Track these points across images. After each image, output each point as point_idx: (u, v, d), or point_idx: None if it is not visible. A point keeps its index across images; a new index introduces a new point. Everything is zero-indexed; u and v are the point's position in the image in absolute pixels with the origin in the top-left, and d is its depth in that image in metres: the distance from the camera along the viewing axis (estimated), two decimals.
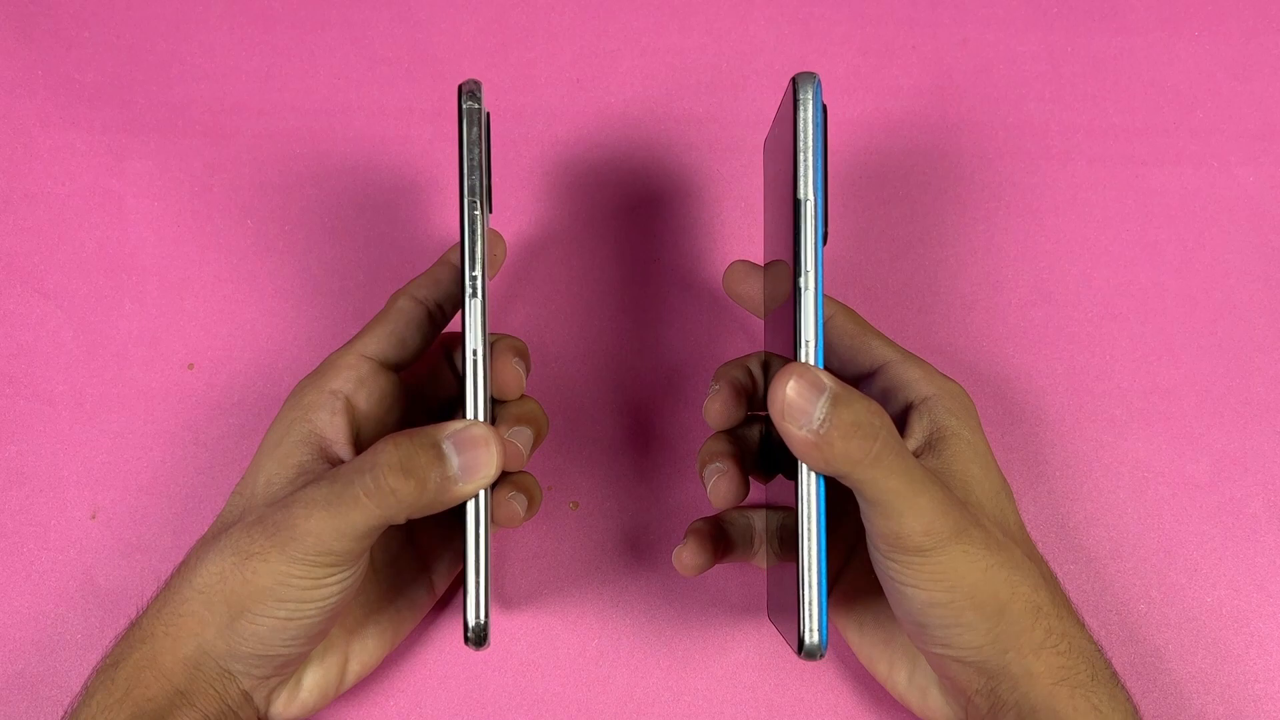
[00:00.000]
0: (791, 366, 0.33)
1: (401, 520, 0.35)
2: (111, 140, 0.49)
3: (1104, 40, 0.50)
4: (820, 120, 0.33)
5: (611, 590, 0.45)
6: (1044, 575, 0.37)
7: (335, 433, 0.38)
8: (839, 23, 0.51)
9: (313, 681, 0.40)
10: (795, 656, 0.44)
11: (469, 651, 0.44)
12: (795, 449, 0.33)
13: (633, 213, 0.49)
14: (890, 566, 0.35)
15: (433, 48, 0.50)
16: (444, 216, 0.48)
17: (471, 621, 0.35)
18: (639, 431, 0.46)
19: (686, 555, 0.39)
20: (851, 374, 0.40)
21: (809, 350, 0.33)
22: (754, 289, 0.41)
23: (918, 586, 0.34)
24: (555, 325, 0.47)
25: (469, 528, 0.36)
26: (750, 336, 0.47)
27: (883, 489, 0.33)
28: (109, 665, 0.37)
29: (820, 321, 0.34)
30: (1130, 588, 0.45)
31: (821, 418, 0.32)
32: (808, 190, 0.33)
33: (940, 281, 0.48)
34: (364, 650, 0.41)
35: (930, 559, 0.34)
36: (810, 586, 0.34)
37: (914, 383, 0.39)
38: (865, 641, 0.41)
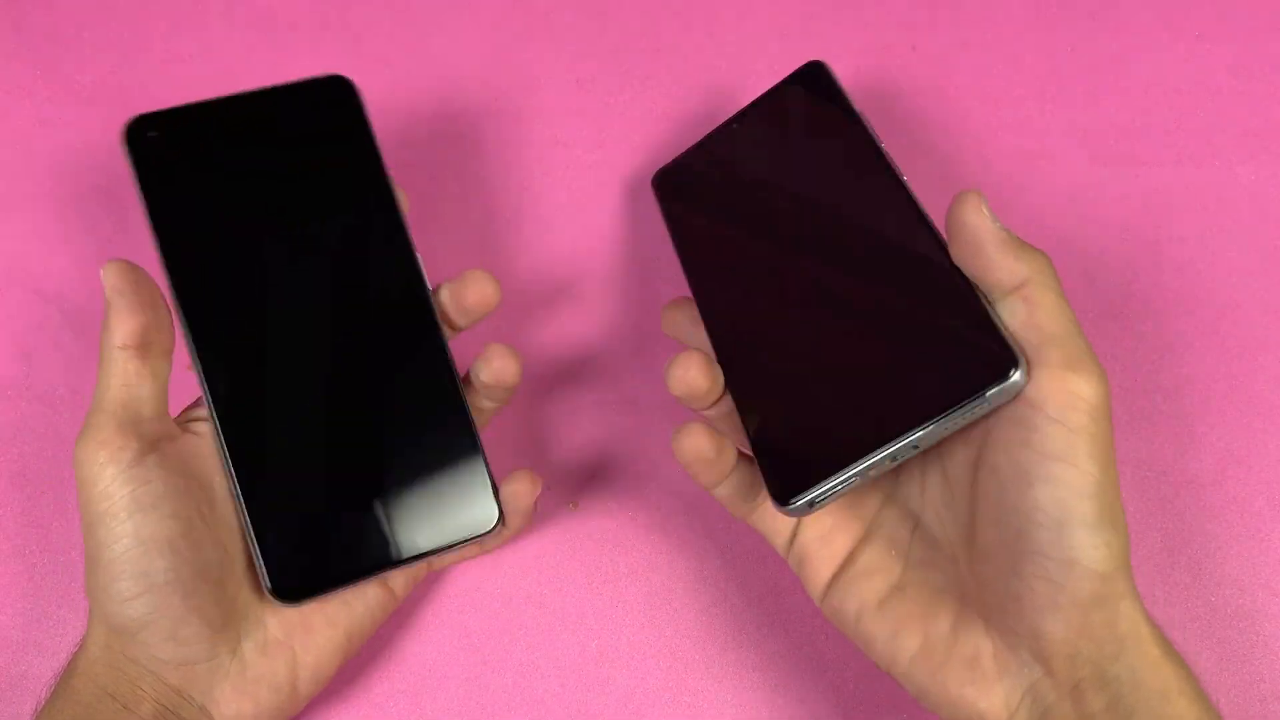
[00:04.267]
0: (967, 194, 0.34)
1: None
2: (112, 141, 0.49)
3: (1104, 40, 0.50)
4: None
5: (611, 591, 0.45)
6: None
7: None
8: (839, 23, 0.51)
9: (257, 674, 0.38)
10: (796, 659, 0.44)
11: (469, 652, 0.44)
12: (987, 248, 0.33)
13: (632, 211, 0.49)
14: (1051, 434, 0.31)
15: (433, 49, 0.50)
16: (446, 216, 0.48)
17: None
18: (640, 431, 0.46)
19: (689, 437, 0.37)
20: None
21: None
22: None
23: (1075, 461, 0.31)
24: (555, 324, 0.47)
25: None
26: None
27: (1054, 322, 0.32)
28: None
29: None
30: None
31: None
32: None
33: None
34: (314, 647, 0.39)
35: (1062, 432, 0.31)
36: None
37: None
38: (893, 614, 0.36)
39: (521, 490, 0.40)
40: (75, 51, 0.50)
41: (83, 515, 0.37)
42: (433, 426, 0.40)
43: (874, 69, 0.50)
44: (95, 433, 0.37)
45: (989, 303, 0.34)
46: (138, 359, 0.38)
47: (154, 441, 0.37)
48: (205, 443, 0.39)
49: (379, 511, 0.39)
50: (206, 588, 0.37)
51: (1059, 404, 0.31)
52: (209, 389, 0.38)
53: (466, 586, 0.45)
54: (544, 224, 0.49)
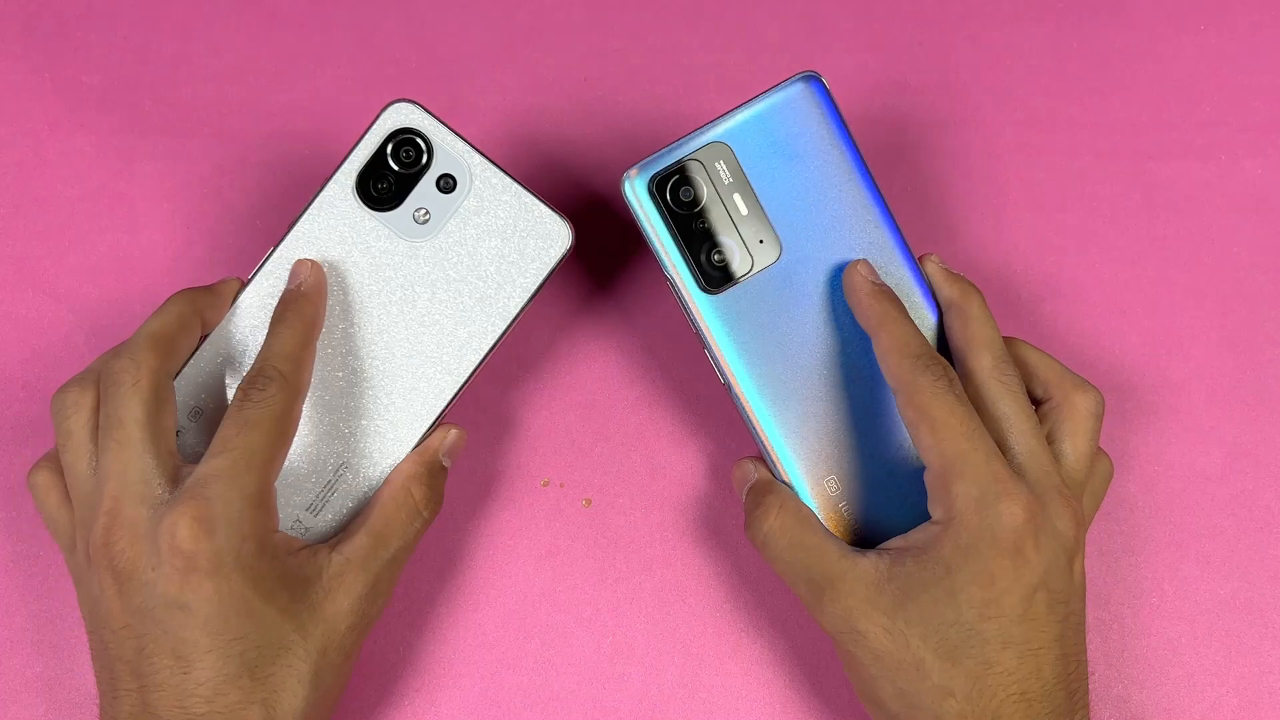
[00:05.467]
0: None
1: None
2: (120, 142, 0.49)
3: (1109, 34, 0.50)
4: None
5: (625, 588, 0.45)
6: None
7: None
8: (845, 19, 0.51)
9: None
10: (809, 654, 0.44)
11: (484, 650, 0.44)
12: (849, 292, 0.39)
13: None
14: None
15: (440, 48, 0.50)
16: None
17: None
18: (651, 428, 0.46)
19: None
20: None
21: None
22: None
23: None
24: (566, 322, 0.47)
25: None
26: None
27: (915, 405, 0.36)
28: None
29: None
30: (1143, 581, 0.45)
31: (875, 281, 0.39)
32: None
33: None
34: None
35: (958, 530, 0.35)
36: None
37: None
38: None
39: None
40: (84, 53, 0.50)
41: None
42: None
43: (878, 64, 0.50)
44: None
45: None
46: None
47: None
48: None
49: None
50: None
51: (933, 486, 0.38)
52: None
53: (480, 585, 0.45)
54: None
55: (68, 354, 0.47)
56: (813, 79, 0.40)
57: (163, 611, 0.34)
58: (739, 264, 0.40)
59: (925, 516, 0.37)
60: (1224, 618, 0.44)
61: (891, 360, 0.37)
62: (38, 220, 0.48)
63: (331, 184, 0.40)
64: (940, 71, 0.50)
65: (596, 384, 0.47)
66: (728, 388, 0.40)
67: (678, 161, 0.39)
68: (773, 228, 0.40)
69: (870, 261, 0.39)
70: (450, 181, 0.40)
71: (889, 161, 0.49)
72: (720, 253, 0.40)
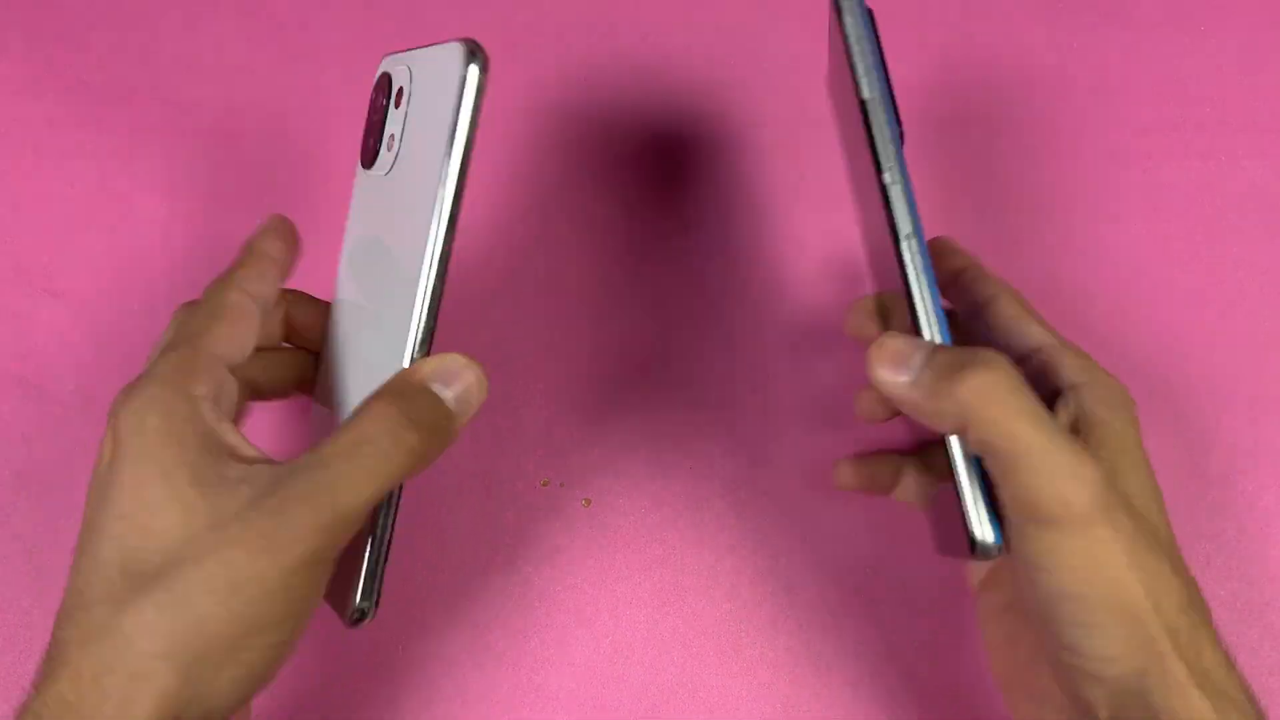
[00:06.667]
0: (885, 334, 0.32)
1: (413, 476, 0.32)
2: (120, 141, 0.49)
3: (1111, 35, 0.50)
4: (869, 21, 0.33)
5: (625, 587, 0.45)
6: (1192, 599, 0.32)
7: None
8: None
9: None
10: (809, 654, 0.44)
11: (483, 649, 0.44)
12: (898, 401, 0.31)
13: (646, 209, 0.49)
14: (1021, 541, 0.30)
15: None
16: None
17: (356, 602, 0.33)
18: (652, 427, 0.46)
19: (847, 470, 0.40)
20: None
21: (911, 247, 0.33)
22: (874, 322, 0.39)
23: (1049, 570, 0.30)
24: (570, 318, 0.47)
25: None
26: (774, 334, 0.47)
27: (1007, 434, 0.29)
28: None
29: (915, 212, 0.33)
30: None
31: (921, 362, 0.31)
32: (871, 89, 0.33)
33: None
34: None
35: (1067, 536, 0.29)
36: (970, 487, 0.31)
37: (1066, 369, 0.35)
38: (1005, 626, 0.36)
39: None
40: (85, 52, 0.50)
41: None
42: None
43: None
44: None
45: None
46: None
47: None
48: None
49: None
50: None
51: (1037, 518, 0.30)
52: None
53: (478, 584, 0.45)
54: (559, 210, 0.49)
55: (66, 352, 0.47)
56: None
57: (92, 492, 0.32)
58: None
59: None
60: (1225, 620, 0.44)
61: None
62: (38, 220, 0.48)
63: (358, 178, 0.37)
64: (938, 71, 0.50)
65: (597, 384, 0.47)
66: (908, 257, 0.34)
67: None
68: None
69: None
70: (400, 93, 0.35)
71: None
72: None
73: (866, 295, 0.40)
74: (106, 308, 0.47)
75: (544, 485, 0.46)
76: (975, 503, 0.31)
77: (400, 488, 0.33)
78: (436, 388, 0.32)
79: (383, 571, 0.33)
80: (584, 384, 0.47)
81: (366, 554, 0.33)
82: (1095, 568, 0.30)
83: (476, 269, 0.48)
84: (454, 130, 0.32)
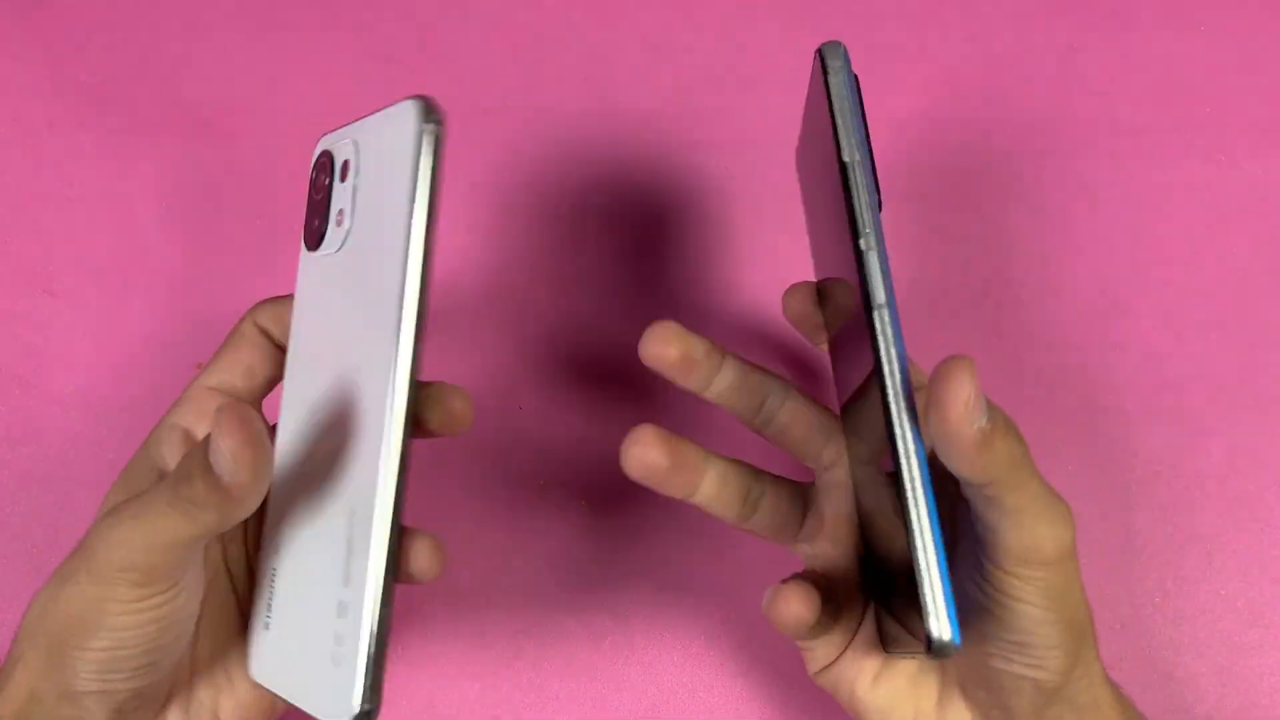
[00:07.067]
0: (960, 361, 0.30)
1: (220, 530, 0.31)
2: (120, 142, 0.49)
3: (1111, 35, 0.50)
4: (854, 84, 0.33)
5: (625, 589, 0.45)
6: None
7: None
8: (847, 20, 0.51)
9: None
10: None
11: (482, 649, 0.44)
12: (958, 451, 0.30)
13: (644, 214, 0.49)
14: (1012, 583, 0.32)
15: (441, 47, 0.50)
16: (452, 215, 0.48)
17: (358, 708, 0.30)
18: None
19: (792, 603, 0.35)
20: None
21: (883, 317, 0.31)
22: (813, 309, 0.39)
23: (1034, 604, 0.32)
24: (567, 326, 0.47)
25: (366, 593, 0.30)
26: (760, 337, 0.47)
27: (1028, 493, 0.31)
28: None
29: (889, 282, 0.31)
30: (1144, 581, 0.45)
31: (986, 416, 0.30)
32: (853, 152, 0.32)
33: (949, 277, 0.48)
34: (239, 707, 0.36)
35: (1054, 572, 0.32)
36: (931, 577, 0.31)
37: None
38: (883, 691, 0.37)
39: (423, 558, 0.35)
40: (85, 54, 0.50)
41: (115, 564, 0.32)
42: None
43: (881, 68, 0.50)
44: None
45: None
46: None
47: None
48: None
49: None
50: (180, 675, 0.35)
51: (1033, 560, 0.32)
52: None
53: (479, 585, 0.45)
54: (555, 225, 0.49)
55: (67, 353, 0.47)
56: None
57: None
58: None
59: None
60: (1225, 619, 0.44)
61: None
62: (37, 220, 0.48)
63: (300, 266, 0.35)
64: (941, 72, 0.50)
65: (597, 384, 0.47)
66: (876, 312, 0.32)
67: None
68: None
69: None
70: (345, 167, 0.34)
71: (889, 162, 0.49)
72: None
73: (806, 281, 0.40)
74: (107, 308, 0.47)
75: (544, 485, 0.46)
76: (936, 600, 0.31)
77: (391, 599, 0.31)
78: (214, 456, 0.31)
79: (382, 671, 0.30)
80: (584, 384, 0.47)
81: (363, 650, 0.30)
82: (1068, 593, 0.33)
83: (475, 268, 0.48)
84: (414, 185, 0.30)
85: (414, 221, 0.30)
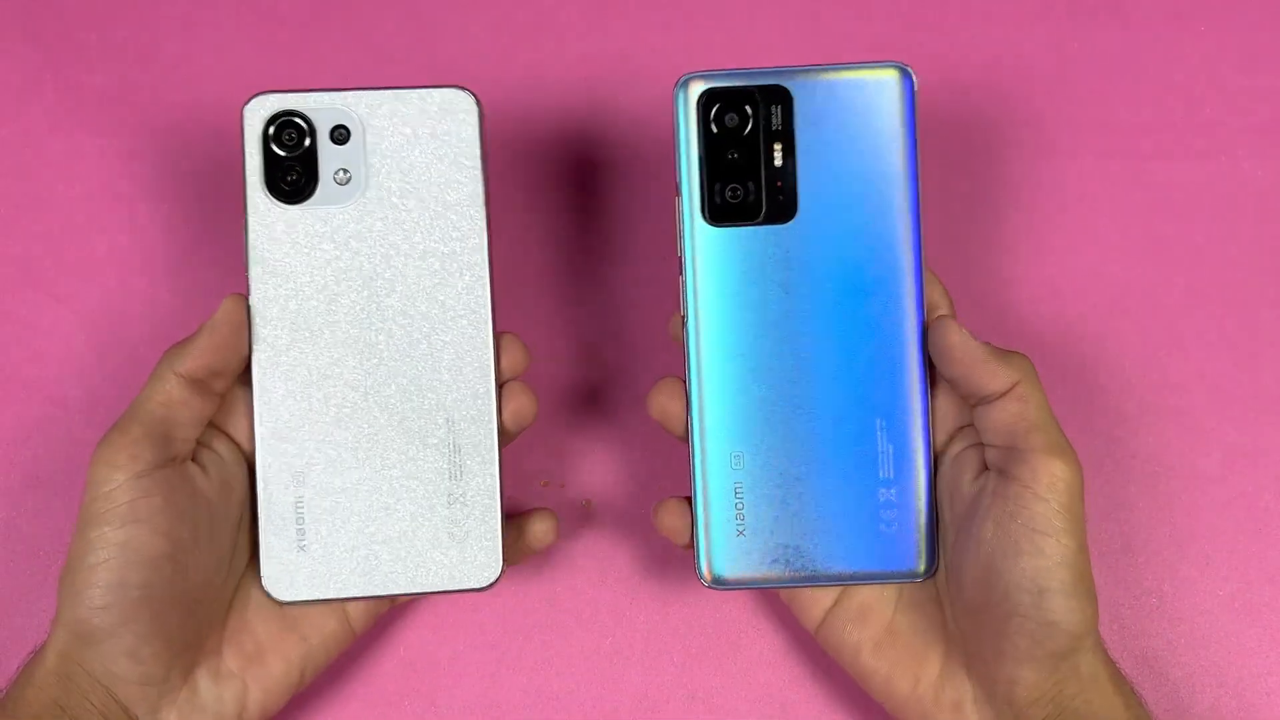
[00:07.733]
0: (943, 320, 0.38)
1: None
2: (121, 143, 0.49)
3: (1110, 36, 0.50)
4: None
5: (625, 588, 0.45)
6: None
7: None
8: (845, 20, 0.50)
9: (204, 702, 0.38)
10: (807, 655, 0.44)
11: (484, 649, 0.44)
12: (963, 354, 0.37)
13: (641, 213, 0.49)
14: (1038, 511, 0.35)
15: (440, 46, 0.50)
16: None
17: None
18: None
19: (664, 518, 0.39)
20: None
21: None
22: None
23: (1057, 535, 0.35)
24: (566, 323, 0.47)
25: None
26: None
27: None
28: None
29: None
30: (1142, 582, 0.45)
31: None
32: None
33: (948, 278, 0.48)
34: (265, 680, 0.39)
35: (1071, 509, 0.35)
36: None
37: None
38: (885, 658, 0.39)
39: (541, 530, 0.41)
40: (86, 54, 0.50)
41: (80, 514, 0.36)
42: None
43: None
44: (119, 436, 0.37)
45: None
46: (188, 390, 0.38)
47: (171, 460, 0.37)
48: (229, 468, 0.39)
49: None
50: (177, 612, 0.37)
51: (1045, 485, 0.35)
52: None
53: None
54: (553, 222, 0.49)
55: (67, 353, 0.47)
56: (905, 74, 0.39)
57: None
58: (748, 209, 0.39)
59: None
60: (1223, 619, 0.44)
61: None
62: (38, 220, 0.48)
63: (250, 212, 0.40)
64: (939, 72, 0.50)
65: (596, 384, 0.47)
66: (684, 327, 0.39)
67: (737, 87, 0.38)
68: (796, 191, 0.39)
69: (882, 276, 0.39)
70: (344, 132, 0.39)
71: None
72: (736, 191, 0.39)
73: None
74: (109, 311, 0.47)
75: (544, 485, 0.46)
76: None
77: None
78: None
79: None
80: (583, 384, 0.47)
81: (497, 523, 0.39)
82: (1068, 536, 0.36)
83: None
84: (483, 161, 0.40)
85: (482, 186, 0.40)
